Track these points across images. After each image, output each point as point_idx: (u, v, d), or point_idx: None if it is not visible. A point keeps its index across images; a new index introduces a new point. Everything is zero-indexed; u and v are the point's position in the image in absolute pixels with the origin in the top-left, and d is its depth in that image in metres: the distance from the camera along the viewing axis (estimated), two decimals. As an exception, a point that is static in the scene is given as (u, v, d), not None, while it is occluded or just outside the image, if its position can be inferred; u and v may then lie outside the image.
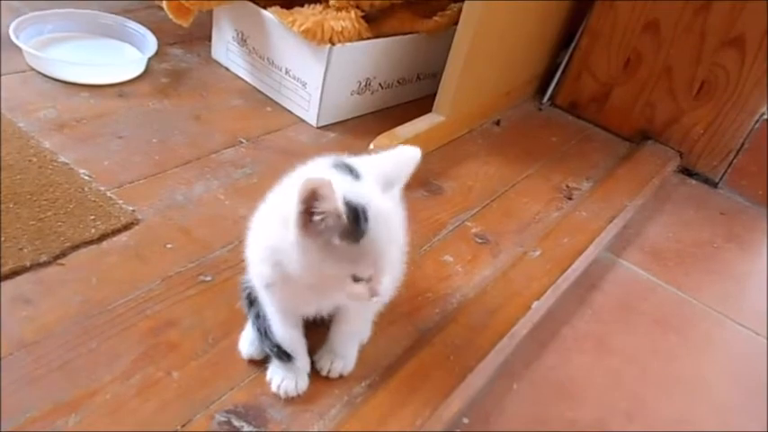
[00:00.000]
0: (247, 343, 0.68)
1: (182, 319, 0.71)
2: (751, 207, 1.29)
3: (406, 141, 1.12)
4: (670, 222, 1.17)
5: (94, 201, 0.83)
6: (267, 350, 0.66)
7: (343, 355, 0.69)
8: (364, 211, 0.52)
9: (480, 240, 0.98)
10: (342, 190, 0.50)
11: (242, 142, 1.07)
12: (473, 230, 1.00)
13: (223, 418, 0.61)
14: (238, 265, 0.74)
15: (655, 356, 0.85)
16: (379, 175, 0.56)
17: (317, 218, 0.51)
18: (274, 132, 1.13)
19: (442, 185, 1.11)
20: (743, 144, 1.28)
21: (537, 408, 0.73)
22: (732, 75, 1.25)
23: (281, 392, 0.64)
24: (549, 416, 0.72)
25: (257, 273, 0.61)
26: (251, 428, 0.61)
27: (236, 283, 0.72)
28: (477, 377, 0.71)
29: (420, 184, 1.10)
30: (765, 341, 0.93)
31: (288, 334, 0.65)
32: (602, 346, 0.84)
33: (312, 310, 0.64)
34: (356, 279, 0.54)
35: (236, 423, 0.61)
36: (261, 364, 0.68)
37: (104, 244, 0.78)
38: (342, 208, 0.50)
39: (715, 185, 1.33)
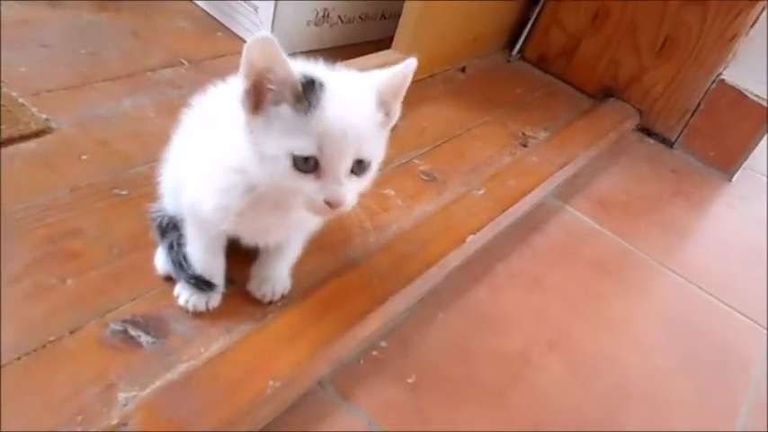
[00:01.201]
0: (162, 260, 0.64)
1: (87, 230, 0.66)
2: (702, 168, 1.29)
3: (358, 75, 1.07)
4: (622, 176, 1.15)
5: (2, 105, 0.76)
6: (184, 281, 0.60)
7: (282, 277, 0.64)
8: (321, 84, 0.46)
9: (427, 178, 0.94)
10: (304, 68, 0.46)
11: (183, 64, 1.00)
12: (421, 168, 0.96)
13: (118, 327, 0.56)
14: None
15: (586, 296, 0.84)
16: (371, 85, 0.49)
17: (271, 86, 0.45)
18: (221, 57, 1.06)
19: (396, 124, 1.07)
20: (699, 105, 1.26)
21: (459, 337, 0.70)
22: (693, 32, 1.22)
23: (190, 306, 0.60)
24: (471, 345, 0.70)
25: (218, 205, 0.53)
26: (149, 338, 0.56)
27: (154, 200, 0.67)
28: (399, 302, 0.68)
29: (369, 120, 1.05)
30: (696, 288, 0.93)
31: (210, 261, 0.60)
32: (535, 284, 0.82)
33: (264, 240, 0.59)
34: (299, 167, 0.46)
35: (133, 332, 0.56)
36: (173, 281, 0.63)
37: (9, 149, 0.72)
38: (294, 73, 0.45)
39: (671, 145, 1.32)
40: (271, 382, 0.54)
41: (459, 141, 1.06)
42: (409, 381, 0.63)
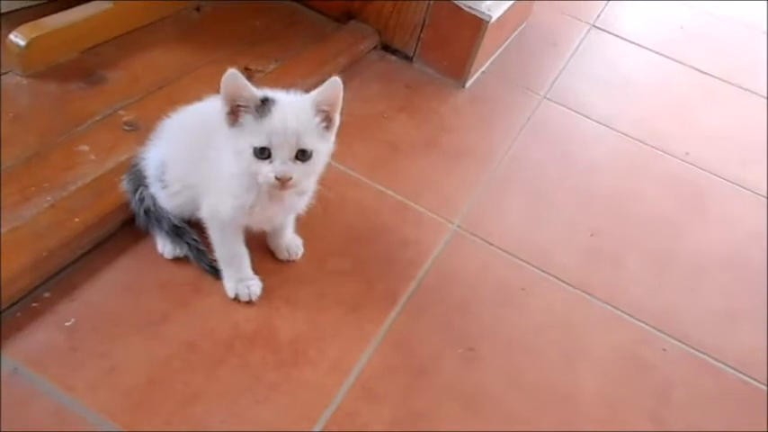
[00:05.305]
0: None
1: None
2: (439, 78, 1.39)
3: (58, 32, 1.06)
4: (347, 99, 1.22)
5: None
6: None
7: (294, 238, 0.90)
8: (273, 100, 0.67)
9: (129, 128, 0.98)
10: (267, 92, 0.69)
11: None
12: (125, 119, 0.99)
13: None
14: None
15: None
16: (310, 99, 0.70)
17: (243, 107, 0.67)
18: None
19: (106, 76, 1.08)
20: (425, 19, 1.36)
21: (130, 277, 0.77)
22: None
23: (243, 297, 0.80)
24: (141, 282, 0.78)
25: (235, 205, 0.74)
26: None
27: None
28: (58, 257, 0.75)
29: (80, 76, 1.06)
30: (392, 194, 1.05)
31: (236, 252, 0.81)
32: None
33: (270, 225, 0.83)
34: (257, 155, 0.67)
35: None
36: None
37: None
38: (257, 93, 0.67)
39: (411, 60, 1.42)
40: None
41: (177, 86, 1.10)
42: (67, 324, 0.71)
